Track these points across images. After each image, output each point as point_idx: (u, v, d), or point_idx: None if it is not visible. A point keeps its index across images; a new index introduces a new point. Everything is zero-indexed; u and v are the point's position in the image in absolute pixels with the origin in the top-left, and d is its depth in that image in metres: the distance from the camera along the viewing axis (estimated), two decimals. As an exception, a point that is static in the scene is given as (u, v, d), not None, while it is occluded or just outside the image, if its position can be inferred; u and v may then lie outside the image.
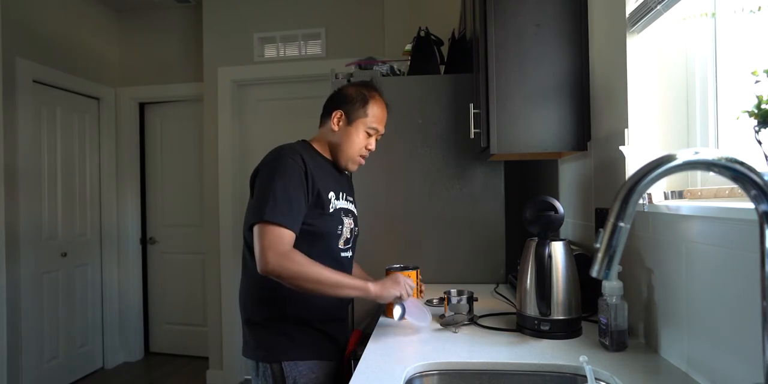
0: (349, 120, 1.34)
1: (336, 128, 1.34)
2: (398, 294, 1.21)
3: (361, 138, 1.34)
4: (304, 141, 1.40)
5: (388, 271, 1.39)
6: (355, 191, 1.53)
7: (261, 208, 1.16)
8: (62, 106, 3.21)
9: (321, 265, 1.16)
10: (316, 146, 1.38)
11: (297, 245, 1.20)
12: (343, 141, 1.34)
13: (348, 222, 1.36)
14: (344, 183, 1.44)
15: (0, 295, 2.66)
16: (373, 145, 1.38)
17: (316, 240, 1.26)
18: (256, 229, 1.17)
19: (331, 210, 1.29)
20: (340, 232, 1.31)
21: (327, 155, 1.38)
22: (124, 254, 3.62)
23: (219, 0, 3.28)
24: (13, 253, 2.75)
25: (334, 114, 1.35)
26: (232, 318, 3.24)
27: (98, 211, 3.52)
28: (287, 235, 1.16)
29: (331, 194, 1.30)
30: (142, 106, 3.73)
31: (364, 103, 1.34)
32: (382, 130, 1.39)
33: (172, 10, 3.55)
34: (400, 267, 1.40)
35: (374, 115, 1.34)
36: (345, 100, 1.35)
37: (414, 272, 1.40)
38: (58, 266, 3.13)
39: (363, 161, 1.39)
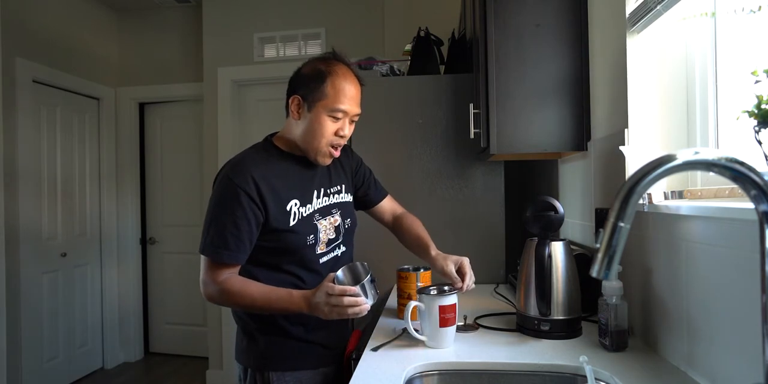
0: (309, 105, 1.14)
1: (297, 117, 1.16)
2: (329, 318, 1.02)
3: (326, 125, 1.13)
4: (268, 139, 1.26)
5: (399, 272, 1.39)
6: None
7: (202, 239, 1.14)
8: (62, 106, 3.21)
9: (250, 290, 1.09)
10: (281, 144, 1.23)
11: (268, 260, 1.18)
12: (305, 132, 1.15)
13: (328, 222, 1.24)
14: (321, 177, 1.26)
15: (0, 295, 2.66)
16: (346, 130, 1.16)
17: (286, 254, 1.19)
18: (201, 257, 1.15)
19: (293, 223, 1.16)
20: (312, 241, 1.20)
21: (295, 151, 1.21)
22: (124, 254, 3.62)
23: (219, 0, 3.28)
24: (13, 253, 2.76)
25: (291, 101, 1.16)
26: (232, 318, 3.23)
27: (98, 211, 3.52)
28: (222, 268, 1.12)
29: (293, 203, 1.17)
30: (142, 106, 3.73)
31: (321, 81, 1.12)
32: (353, 109, 1.16)
33: (172, 10, 3.55)
34: (412, 268, 1.39)
35: (336, 94, 1.12)
36: (300, 82, 1.15)
37: (427, 273, 1.39)
38: (57, 266, 3.13)
39: (336, 152, 1.19)
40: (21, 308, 2.79)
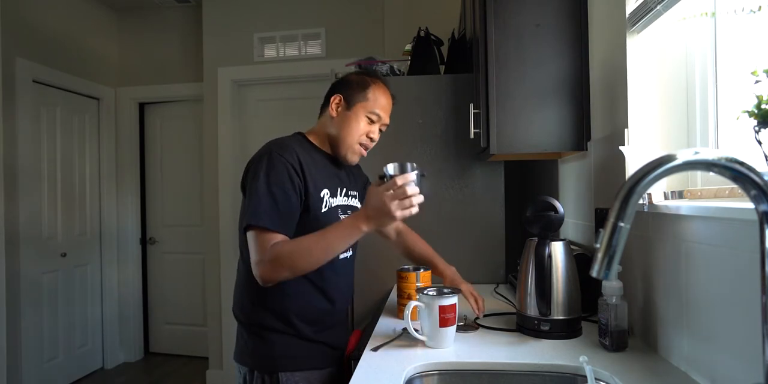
0: (349, 104, 1.25)
1: (334, 114, 1.26)
2: (397, 217, 1.01)
3: (362, 124, 1.25)
4: (299, 133, 1.33)
5: (399, 272, 1.39)
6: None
7: (250, 212, 1.12)
8: (62, 106, 3.21)
9: (302, 242, 1.09)
10: (312, 139, 1.31)
11: None
12: (341, 128, 1.25)
13: None
14: (344, 178, 1.35)
15: (0, 295, 2.66)
16: (376, 134, 1.28)
17: None
18: (248, 235, 1.12)
19: (325, 209, 1.22)
20: None
21: (325, 148, 1.30)
22: (124, 254, 3.62)
23: (219, 0, 3.28)
24: (13, 253, 2.75)
25: (332, 99, 1.27)
26: (232, 318, 3.23)
27: (98, 211, 3.52)
28: (277, 240, 1.10)
29: (325, 192, 1.23)
30: (142, 106, 3.73)
31: (365, 86, 1.26)
32: (386, 119, 1.29)
33: (172, 10, 3.55)
34: (413, 268, 1.39)
35: (376, 99, 1.25)
36: (345, 85, 1.29)
37: (427, 273, 1.40)
38: (57, 266, 3.13)
39: (364, 152, 1.29)
40: (21, 308, 2.79)
